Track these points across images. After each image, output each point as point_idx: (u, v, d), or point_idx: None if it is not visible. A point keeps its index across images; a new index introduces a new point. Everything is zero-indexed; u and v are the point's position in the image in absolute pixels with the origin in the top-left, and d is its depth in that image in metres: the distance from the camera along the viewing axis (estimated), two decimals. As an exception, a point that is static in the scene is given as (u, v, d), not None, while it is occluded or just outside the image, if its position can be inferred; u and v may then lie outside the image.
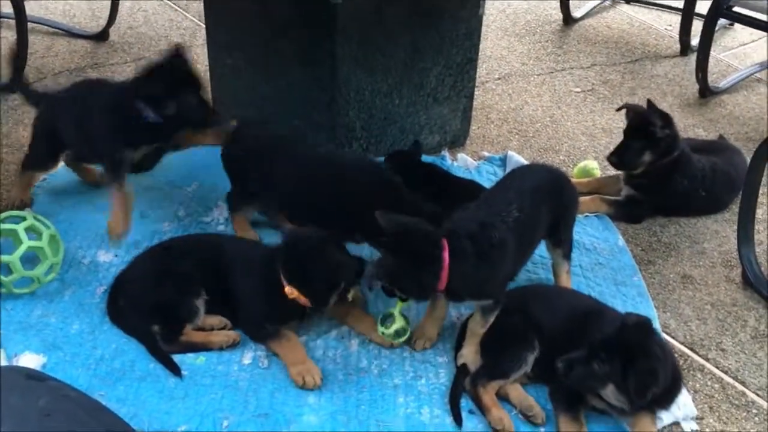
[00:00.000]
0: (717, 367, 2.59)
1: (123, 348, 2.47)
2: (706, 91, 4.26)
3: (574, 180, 3.21)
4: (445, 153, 3.60)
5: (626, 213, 3.26)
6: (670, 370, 2.23)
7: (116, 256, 2.85)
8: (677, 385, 2.29)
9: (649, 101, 3.22)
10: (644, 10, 5.36)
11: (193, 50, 4.44)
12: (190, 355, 2.45)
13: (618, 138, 3.34)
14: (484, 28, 3.63)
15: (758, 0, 4.01)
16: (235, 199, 2.97)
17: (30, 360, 2.38)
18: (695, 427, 2.36)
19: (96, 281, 2.73)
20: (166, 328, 2.47)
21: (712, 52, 4.25)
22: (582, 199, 3.03)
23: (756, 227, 2.99)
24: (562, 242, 2.70)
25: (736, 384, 2.53)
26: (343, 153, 3.19)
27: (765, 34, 4.64)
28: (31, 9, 4.05)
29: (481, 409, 2.31)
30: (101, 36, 4.49)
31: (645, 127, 3.14)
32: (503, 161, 3.56)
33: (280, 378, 2.40)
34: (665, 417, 2.33)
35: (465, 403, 2.35)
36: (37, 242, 2.61)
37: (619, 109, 3.31)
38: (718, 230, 3.26)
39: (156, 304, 2.47)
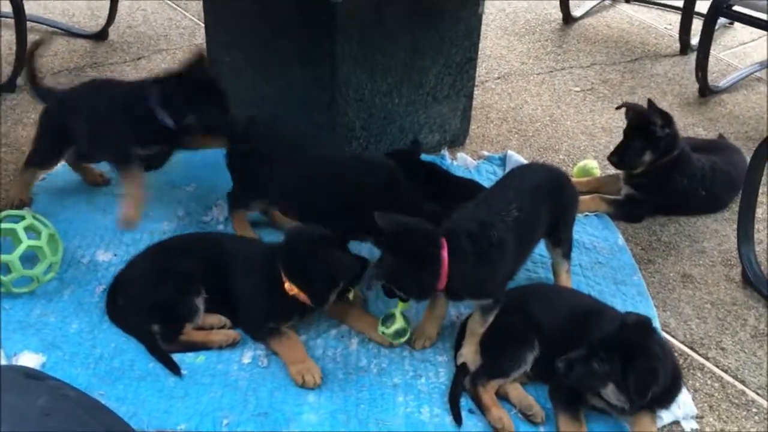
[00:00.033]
0: (717, 366, 2.59)
1: (122, 347, 2.47)
2: (706, 90, 4.26)
3: (573, 179, 3.21)
4: (445, 152, 3.60)
5: (626, 212, 3.26)
6: (670, 369, 2.23)
7: (115, 255, 2.85)
8: (677, 384, 2.29)
9: (649, 100, 3.22)
10: (644, 9, 5.35)
11: (192, 49, 4.45)
12: (190, 354, 2.45)
13: (618, 137, 3.34)
14: (483, 27, 3.63)
15: (758, -1, 4.02)
16: (236, 198, 2.97)
17: (29, 359, 2.38)
18: (695, 426, 2.36)
19: (95, 280, 2.73)
20: (166, 327, 2.46)
21: (711, 51, 4.24)
22: (582, 198, 3.03)
23: (756, 226, 2.99)
24: (561, 241, 2.70)
25: (736, 383, 2.53)
26: (351, 152, 3.18)
27: (765, 33, 4.64)
28: (30, 8, 4.04)
29: (481, 408, 2.31)
30: (100, 35, 4.48)
31: (645, 126, 3.14)
32: (503, 160, 3.56)
33: (279, 377, 2.40)
34: (665, 416, 2.33)
35: (465, 402, 2.35)
36: (36, 241, 2.60)
37: (618, 108, 3.31)
38: (718, 229, 3.26)
39: (155, 303, 2.47)
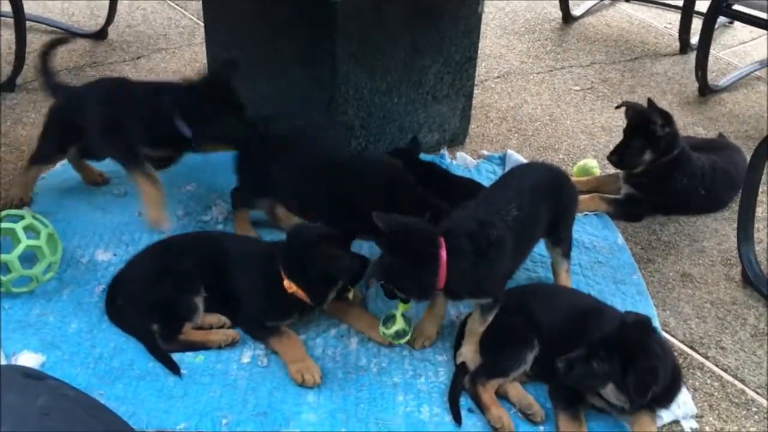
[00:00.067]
0: (717, 366, 2.59)
1: (122, 347, 2.47)
2: (706, 90, 4.26)
3: (573, 178, 3.20)
4: (445, 151, 3.60)
5: (626, 211, 3.26)
6: (670, 369, 2.23)
7: (115, 255, 2.85)
8: (677, 383, 2.29)
9: (649, 100, 3.21)
10: (644, 8, 5.35)
11: (191, 49, 4.46)
12: (189, 353, 2.45)
13: (617, 136, 3.34)
14: (483, 27, 3.62)
15: (758, -2, 4.02)
16: (241, 197, 2.95)
17: (28, 359, 2.38)
18: (695, 425, 2.36)
19: (94, 280, 2.72)
20: (165, 327, 2.46)
21: (711, 51, 4.24)
22: (581, 197, 3.03)
23: (756, 226, 2.99)
24: (561, 241, 2.69)
25: (736, 382, 2.53)
26: (357, 151, 3.17)
27: (765, 32, 4.64)
28: (29, 8, 4.04)
29: (481, 407, 2.31)
30: (100, 34, 4.48)
31: (645, 125, 3.14)
32: (502, 160, 3.56)
33: (279, 376, 2.40)
34: (665, 415, 2.33)
35: (464, 401, 2.35)
36: (36, 241, 2.60)
37: (618, 107, 3.31)
38: (718, 228, 3.25)
39: (155, 302, 2.47)
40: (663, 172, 3.19)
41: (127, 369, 2.39)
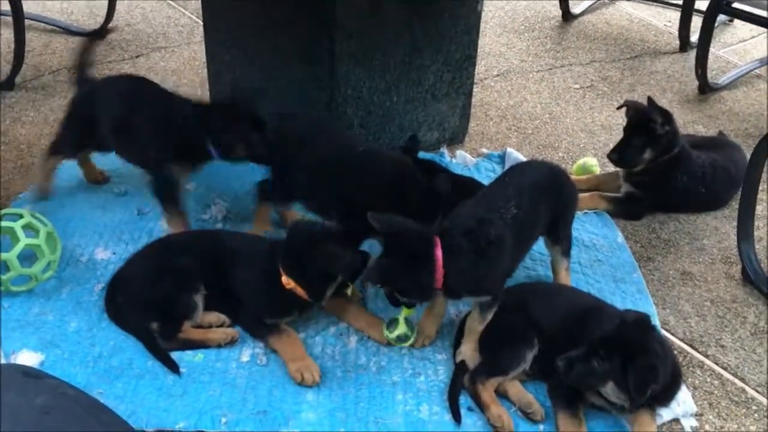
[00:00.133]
0: (716, 364, 2.58)
1: (121, 345, 2.47)
2: (706, 88, 4.26)
3: (573, 177, 3.20)
4: (444, 150, 3.60)
5: (626, 210, 3.26)
6: (670, 367, 2.23)
7: (114, 253, 2.85)
8: (677, 381, 2.29)
9: (649, 98, 3.21)
10: (643, 7, 5.35)
11: (190, 47, 4.45)
12: (189, 352, 2.45)
13: (617, 135, 3.34)
14: (482, 25, 3.62)
15: (758, -4, 4.02)
16: (275, 193, 2.91)
17: (28, 358, 2.38)
18: (695, 423, 2.36)
19: (94, 279, 2.72)
20: (165, 325, 2.46)
21: (711, 49, 4.24)
22: (581, 196, 3.02)
23: (756, 224, 2.98)
24: (561, 239, 2.69)
25: (736, 380, 2.53)
26: (380, 147, 3.16)
27: (765, 30, 4.64)
28: (28, 7, 4.04)
29: (480, 406, 2.31)
30: (99, 33, 4.47)
31: (645, 124, 3.13)
32: (502, 158, 3.56)
33: (278, 375, 2.40)
34: (665, 414, 2.33)
35: (464, 400, 2.35)
36: (35, 240, 2.60)
37: (619, 107, 3.30)
38: (718, 227, 3.25)
39: (154, 300, 2.47)
40: (663, 170, 3.19)
41: (126, 368, 2.39)
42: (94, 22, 4.61)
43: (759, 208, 3.05)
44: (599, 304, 2.50)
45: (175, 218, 2.87)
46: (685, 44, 4.72)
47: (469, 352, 2.41)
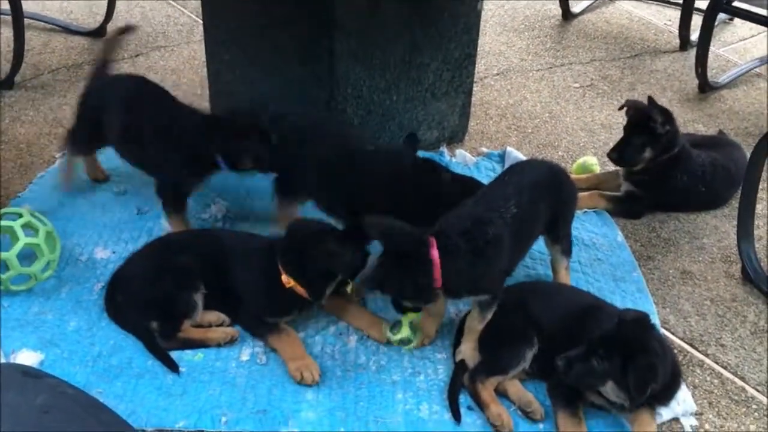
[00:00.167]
0: (716, 363, 2.58)
1: (121, 345, 2.47)
2: (706, 87, 4.25)
3: (573, 176, 3.20)
4: (444, 149, 3.60)
5: (625, 209, 3.26)
6: (670, 366, 2.22)
7: (114, 252, 2.85)
8: (676, 380, 2.29)
9: (650, 98, 3.21)
10: (643, 5, 5.35)
11: (190, 46, 4.45)
12: (188, 351, 2.45)
13: (617, 134, 3.33)
14: (482, 24, 3.62)
15: (758, -5, 4.02)
16: (289, 188, 2.92)
17: (27, 357, 2.37)
18: (694, 422, 2.36)
19: (93, 278, 2.72)
20: (164, 324, 2.46)
21: (711, 47, 4.24)
22: (581, 195, 3.02)
23: (756, 222, 2.98)
24: (560, 238, 2.69)
25: (736, 379, 2.52)
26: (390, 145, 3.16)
27: (765, 29, 4.64)
28: (27, 6, 4.04)
29: (480, 405, 2.31)
30: (98, 32, 4.48)
31: (645, 123, 3.13)
32: (502, 157, 3.55)
33: (278, 374, 2.39)
34: (665, 413, 2.32)
35: (464, 399, 2.35)
36: (34, 239, 2.60)
37: (621, 108, 3.30)
38: (718, 226, 3.25)
39: (154, 299, 2.47)
40: (663, 169, 3.19)
41: (126, 367, 2.39)
42: (93, 21, 4.61)
43: (759, 207, 3.05)
44: (599, 303, 2.49)
45: (175, 217, 2.87)
46: (685, 43, 4.72)
47: (468, 351, 2.41)
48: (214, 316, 2.54)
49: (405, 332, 2.47)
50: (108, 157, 3.15)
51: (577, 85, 4.32)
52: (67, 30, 4.52)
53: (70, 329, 2.51)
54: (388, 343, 2.52)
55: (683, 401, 2.37)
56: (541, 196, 2.54)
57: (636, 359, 2.12)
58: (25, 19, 3.90)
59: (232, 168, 2.83)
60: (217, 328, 2.52)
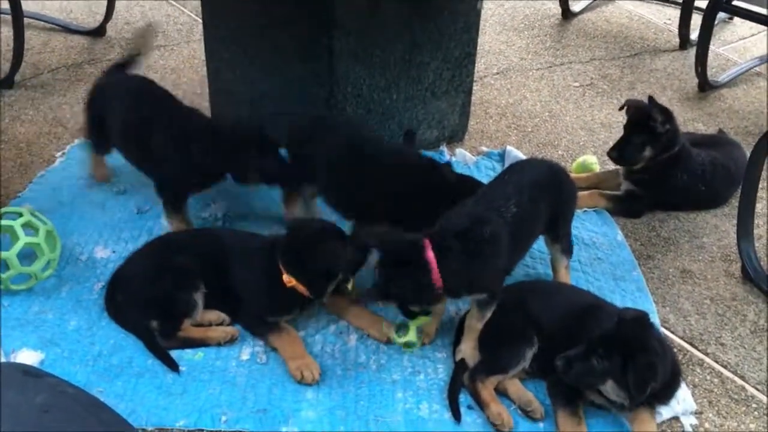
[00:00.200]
0: (716, 362, 2.58)
1: (121, 344, 2.47)
2: (706, 85, 4.25)
3: (572, 175, 3.20)
4: (444, 148, 3.59)
5: (625, 208, 3.26)
6: (669, 365, 2.22)
7: (114, 252, 2.85)
8: (676, 379, 2.29)
9: (650, 97, 3.21)
10: (643, 4, 5.35)
11: (189, 46, 4.45)
12: (189, 351, 2.45)
13: (617, 133, 3.33)
14: (482, 23, 3.62)
15: (757, -6, 4.02)
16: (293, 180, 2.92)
17: (27, 356, 2.37)
18: (694, 421, 2.36)
19: (93, 277, 2.72)
20: (164, 323, 2.46)
21: (711, 46, 4.24)
22: (581, 194, 3.02)
23: (755, 221, 2.98)
24: (560, 237, 2.69)
25: (736, 378, 2.53)
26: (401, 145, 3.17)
27: (764, 28, 4.63)
28: (27, 5, 4.04)
29: (480, 404, 2.31)
30: (98, 32, 4.48)
31: (645, 122, 3.13)
32: (502, 156, 3.56)
33: (278, 373, 2.40)
34: (664, 412, 2.33)
35: (464, 398, 2.35)
36: (34, 238, 2.60)
37: (621, 108, 3.30)
38: (718, 225, 3.25)
39: (154, 299, 2.47)
40: (663, 168, 3.19)
41: (126, 366, 2.39)
42: (93, 21, 4.60)
43: (759, 206, 3.05)
44: (599, 303, 2.50)
45: (175, 217, 2.87)
46: (685, 42, 4.71)
47: (468, 350, 2.41)
48: (215, 315, 2.54)
49: (410, 336, 2.47)
50: (108, 157, 3.16)
51: (576, 84, 4.32)
52: (67, 29, 4.51)
53: (71, 328, 2.51)
54: (390, 342, 2.52)
55: (683, 400, 2.37)
56: (541, 195, 2.54)
57: (636, 358, 2.12)
58: (24, 19, 3.90)
59: (239, 182, 2.85)
60: (217, 327, 2.52)
